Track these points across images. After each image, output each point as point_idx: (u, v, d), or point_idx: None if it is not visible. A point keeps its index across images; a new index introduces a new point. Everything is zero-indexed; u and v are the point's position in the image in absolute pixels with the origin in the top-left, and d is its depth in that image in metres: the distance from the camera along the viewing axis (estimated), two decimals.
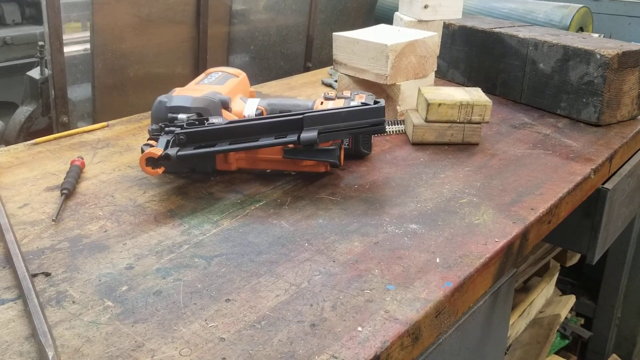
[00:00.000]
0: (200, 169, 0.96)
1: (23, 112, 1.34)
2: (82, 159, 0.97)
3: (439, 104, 1.09)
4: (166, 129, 0.89)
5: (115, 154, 1.04)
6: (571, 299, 1.85)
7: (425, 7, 1.51)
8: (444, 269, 0.71)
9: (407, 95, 1.23)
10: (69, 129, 1.25)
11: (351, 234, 0.79)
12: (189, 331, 0.59)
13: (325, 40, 1.96)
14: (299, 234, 0.78)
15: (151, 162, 0.83)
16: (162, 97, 0.95)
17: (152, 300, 0.64)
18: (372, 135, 1.05)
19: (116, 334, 0.59)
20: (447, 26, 1.52)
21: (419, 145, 1.11)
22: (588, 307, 1.95)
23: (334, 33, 1.26)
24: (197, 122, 0.89)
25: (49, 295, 0.65)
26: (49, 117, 1.31)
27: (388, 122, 1.18)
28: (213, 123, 0.89)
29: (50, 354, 0.54)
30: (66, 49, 1.27)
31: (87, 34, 1.35)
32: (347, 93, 1.01)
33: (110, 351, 0.56)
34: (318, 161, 0.94)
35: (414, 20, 1.53)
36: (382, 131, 0.89)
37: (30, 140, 1.09)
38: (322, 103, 1.00)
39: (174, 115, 0.92)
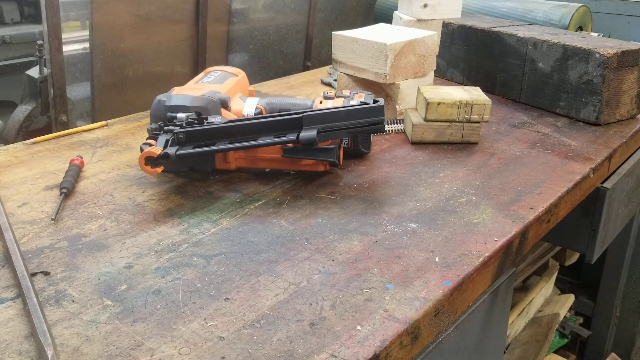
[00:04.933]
0: (200, 168, 0.96)
1: (22, 111, 1.34)
2: (81, 158, 0.97)
3: (438, 103, 1.09)
4: (165, 128, 0.89)
5: (114, 153, 1.04)
6: (570, 298, 1.85)
7: (425, 6, 1.51)
8: (443, 268, 0.71)
9: (406, 94, 1.23)
10: (68, 128, 1.24)
11: (350, 233, 0.79)
12: (188, 330, 0.59)
13: (325, 39, 1.96)
14: (298, 233, 0.78)
15: (150, 161, 0.83)
16: (161, 96, 0.95)
17: (152, 299, 0.64)
18: (372, 135, 1.05)
19: (115, 333, 0.59)
20: (446, 25, 1.52)
21: (418, 144, 1.11)
22: (587, 306, 1.95)
23: (333, 32, 1.26)
24: (196, 121, 0.89)
25: (48, 294, 0.65)
26: (48, 116, 1.31)
27: (387, 121, 1.18)
28: (212, 122, 0.89)
29: (50, 353, 0.54)
30: (65, 48, 1.26)
31: (86, 32, 1.35)
32: (346, 92, 1.01)
33: (109, 350, 0.56)
34: (317, 160, 0.94)
35: (413, 19, 1.53)
36: (381, 130, 0.89)
37: (29, 139, 1.09)
38: (321, 102, 1.00)
39: (173, 114, 0.92)
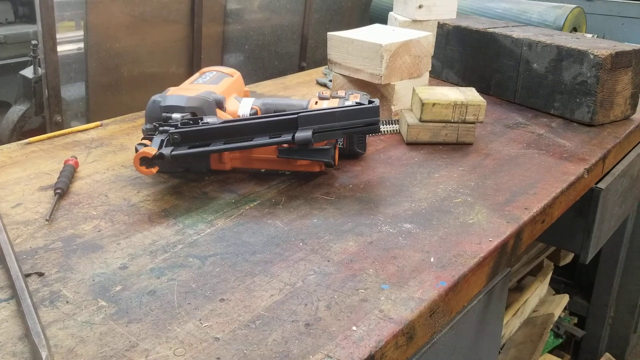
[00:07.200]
0: (195, 168, 0.96)
1: (16, 111, 1.33)
2: (76, 158, 0.97)
3: (433, 104, 1.10)
4: (160, 128, 0.89)
5: (109, 153, 1.04)
6: (565, 298, 1.86)
7: (420, 7, 1.51)
8: (438, 268, 0.72)
9: (401, 95, 1.23)
10: (63, 129, 1.24)
11: (346, 234, 0.79)
12: (183, 331, 0.59)
13: (320, 39, 1.96)
14: (293, 234, 0.78)
15: (145, 161, 0.83)
16: (156, 97, 0.94)
17: (146, 300, 0.64)
18: (367, 135, 1.05)
19: (110, 333, 0.59)
20: (441, 26, 1.52)
21: (414, 145, 1.12)
22: (581, 306, 1.96)
23: (328, 33, 1.26)
24: (191, 122, 0.89)
25: (42, 295, 0.64)
26: (42, 116, 1.31)
27: (382, 122, 1.18)
28: (207, 122, 0.89)
29: (44, 354, 0.54)
30: (60, 48, 1.26)
31: (81, 32, 1.35)
32: (341, 93, 1.01)
33: (104, 351, 0.56)
34: (312, 161, 0.94)
35: (409, 20, 1.53)
36: (376, 131, 0.90)
37: (23, 139, 1.09)
38: (316, 103, 1.00)
39: (168, 114, 0.92)
